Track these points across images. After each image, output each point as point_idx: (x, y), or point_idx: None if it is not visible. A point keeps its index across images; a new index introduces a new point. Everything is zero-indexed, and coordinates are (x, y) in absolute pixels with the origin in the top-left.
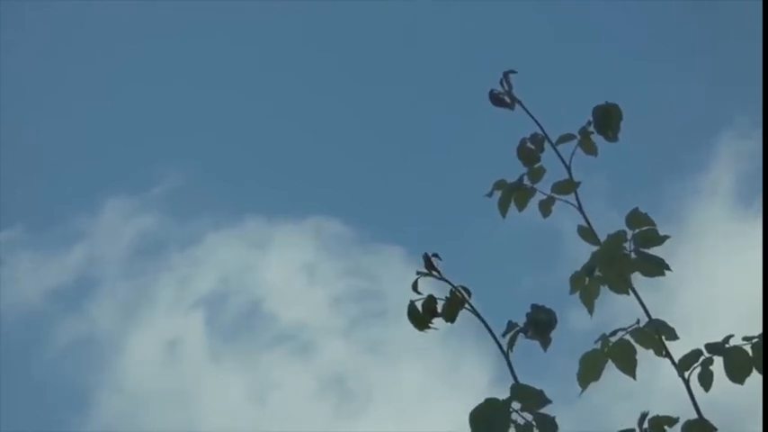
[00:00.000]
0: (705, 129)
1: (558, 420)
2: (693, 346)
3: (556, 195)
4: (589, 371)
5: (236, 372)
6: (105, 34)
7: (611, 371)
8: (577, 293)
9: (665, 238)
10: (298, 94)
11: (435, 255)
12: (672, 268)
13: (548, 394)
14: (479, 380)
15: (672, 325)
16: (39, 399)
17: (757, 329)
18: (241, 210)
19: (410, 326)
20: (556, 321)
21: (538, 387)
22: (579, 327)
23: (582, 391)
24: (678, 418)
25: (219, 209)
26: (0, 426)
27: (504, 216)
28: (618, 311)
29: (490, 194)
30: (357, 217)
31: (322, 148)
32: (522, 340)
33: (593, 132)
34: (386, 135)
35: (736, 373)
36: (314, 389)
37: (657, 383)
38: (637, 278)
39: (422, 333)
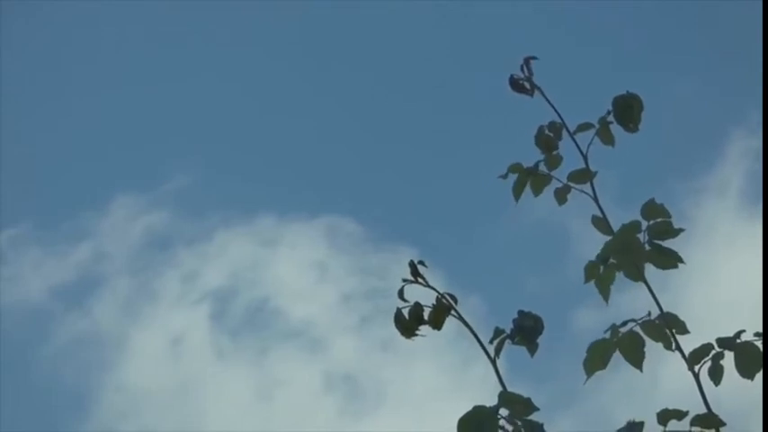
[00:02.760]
0: (718, 125)
1: (563, 420)
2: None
3: (572, 184)
4: (596, 359)
5: (243, 369)
6: (116, 32)
7: (617, 373)
8: (592, 282)
9: (680, 230)
10: (317, 94)
11: (421, 262)
12: (685, 261)
13: (554, 394)
14: (493, 379)
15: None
16: (45, 396)
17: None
18: (253, 208)
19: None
20: (543, 327)
21: (545, 388)
22: (586, 327)
23: (587, 379)
24: (687, 412)
25: (231, 207)
26: (1, 423)
27: (517, 200)
28: (630, 309)
29: (505, 176)
30: (370, 217)
31: (337, 148)
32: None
33: (611, 122)
34: (401, 137)
35: (747, 369)
36: (323, 386)
37: (665, 385)
38: (648, 275)
39: (437, 333)
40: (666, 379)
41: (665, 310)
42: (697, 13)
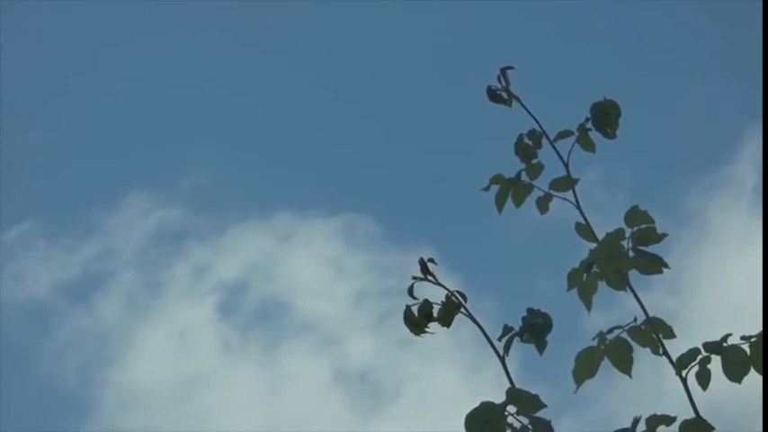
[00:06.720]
0: (734, 123)
1: (575, 423)
2: None
3: (554, 192)
4: (584, 368)
5: (253, 364)
6: (134, 31)
7: (627, 378)
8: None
9: (664, 235)
10: (339, 95)
11: (431, 259)
12: (672, 266)
13: (566, 396)
14: (505, 380)
15: (690, 324)
16: (49, 393)
17: None
18: (271, 205)
19: (436, 325)
20: (551, 325)
21: (557, 391)
22: (594, 328)
23: (576, 389)
24: (676, 417)
25: (249, 204)
26: (3, 421)
27: (500, 211)
28: (636, 311)
29: (487, 188)
30: (390, 216)
31: (358, 147)
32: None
33: (591, 129)
34: (421, 136)
35: (734, 372)
36: (333, 383)
37: (673, 389)
38: (653, 280)
39: (448, 331)
40: (676, 382)
41: (677, 312)
42: (713, 12)
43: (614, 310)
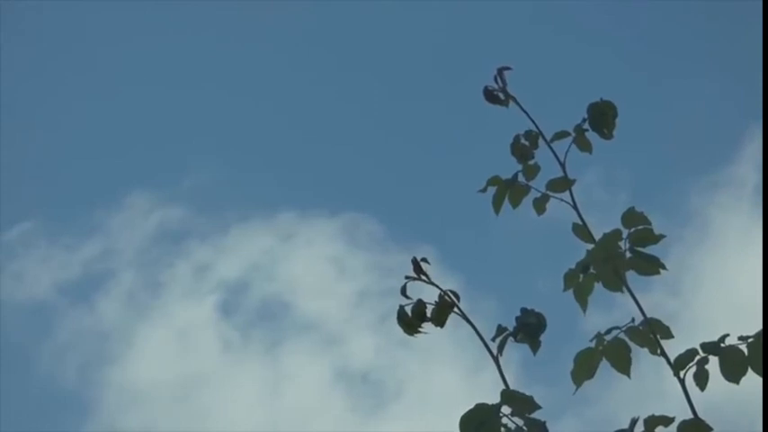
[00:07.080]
0: (736, 123)
1: (570, 421)
2: None
3: (550, 193)
4: (582, 369)
5: (254, 364)
6: (134, 31)
7: (632, 378)
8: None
9: (661, 236)
10: (343, 96)
11: (424, 259)
12: (673, 266)
13: (561, 398)
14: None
15: (691, 325)
16: (52, 392)
17: None
18: (274, 205)
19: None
20: (545, 325)
21: (554, 391)
22: (594, 329)
23: (576, 390)
24: (674, 418)
25: (251, 204)
26: (3, 421)
27: (497, 213)
28: (636, 312)
29: (484, 190)
30: (392, 216)
31: (361, 148)
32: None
33: (587, 130)
34: (424, 137)
35: (732, 373)
36: (333, 383)
37: (675, 389)
38: (654, 280)
39: (448, 331)
40: (676, 383)
41: (679, 313)
42: (713, 12)
43: (614, 310)
